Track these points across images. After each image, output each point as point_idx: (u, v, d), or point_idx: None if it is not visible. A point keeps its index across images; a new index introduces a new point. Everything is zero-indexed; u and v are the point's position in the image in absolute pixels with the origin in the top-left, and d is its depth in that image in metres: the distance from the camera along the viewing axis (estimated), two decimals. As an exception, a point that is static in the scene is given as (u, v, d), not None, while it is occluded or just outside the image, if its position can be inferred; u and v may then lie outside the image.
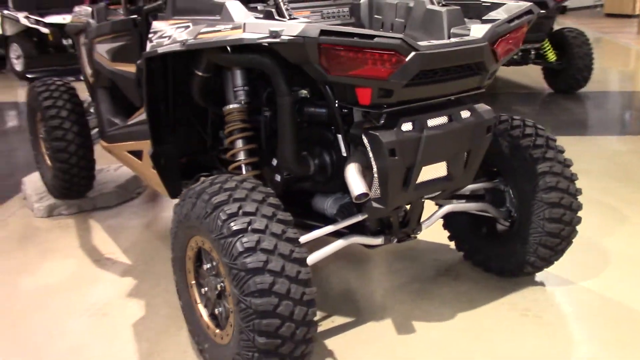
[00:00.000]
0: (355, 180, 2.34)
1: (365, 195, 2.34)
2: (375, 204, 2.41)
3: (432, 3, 2.68)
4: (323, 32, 2.05)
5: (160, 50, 2.52)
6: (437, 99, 2.39)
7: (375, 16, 3.08)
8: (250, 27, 2.18)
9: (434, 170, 2.46)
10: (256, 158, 2.76)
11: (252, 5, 2.64)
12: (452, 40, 2.32)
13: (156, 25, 2.70)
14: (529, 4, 2.61)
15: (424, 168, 2.40)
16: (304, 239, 2.43)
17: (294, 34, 2.06)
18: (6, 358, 2.66)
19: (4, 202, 4.51)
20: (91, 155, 4.04)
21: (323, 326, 2.78)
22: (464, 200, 3.03)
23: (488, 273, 3.16)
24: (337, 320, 2.83)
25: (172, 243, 2.52)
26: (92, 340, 2.76)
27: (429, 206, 2.91)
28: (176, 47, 2.43)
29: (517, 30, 2.50)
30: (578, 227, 2.90)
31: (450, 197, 3.01)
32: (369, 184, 2.36)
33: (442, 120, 2.39)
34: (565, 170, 2.85)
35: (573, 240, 2.96)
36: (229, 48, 2.47)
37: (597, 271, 3.20)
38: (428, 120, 2.34)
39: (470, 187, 3.03)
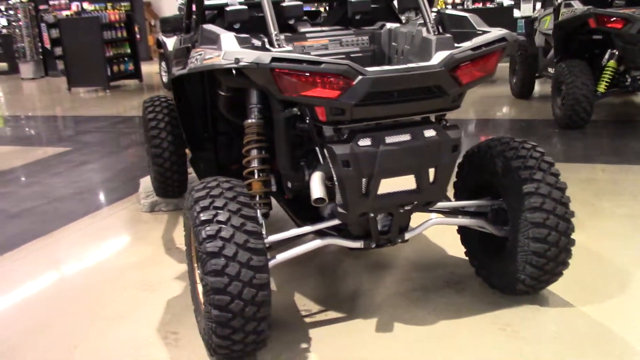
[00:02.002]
0: (315, 187, 2.70)
1: (322, 200, 2.69)
2: (340, 209, 2.74)
3: (428, 32, 2.95)
4: (274, 59, 2.45)
5: (177, 73, 3.08)
6: (398, 117, 2.66)
7: (392, 43, 3.39)
8: (225, 55, 2.64)
9: (401, 183, 2.72)
10: (267, 166, 3.20)
11: (256, 37, 3.07)
12: (404, 66, 2.59)
13: (192, 52, 3.27)
14: (502, 32, 2.78)
15: (387, 180, 2.67)
16: (274, 237, 2.84)
17: (250, 61, 2.48)
18: (71, 317, 3.36)
19: (125, 197, 5.40)
20: (184, 161, 4.73)
21: (316, 317, 3.14)
22: (456, 215, 3.21)
23: (493, 289, 3.28)
24: (330, 314, 3.17)
25: (184, 232, 3.05)
26: (136, 308, 3.37)
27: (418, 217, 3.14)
28: (184, 71, 2.97)
29: (483, 57, 2.68)
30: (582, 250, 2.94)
31: (453, 212, 3.24)
32: (334, 192, 2.70)
33: (403, 137, 2.64)
34: (554, 192, 2.93)
35: (567, 261, 3.01)
36: (234, 72, 2.95)
37: (603, 298, 3.18)
38: (386, 137, 2.62)
39: (474, 204, 3.22)
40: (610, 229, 4.07)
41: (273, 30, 2.73)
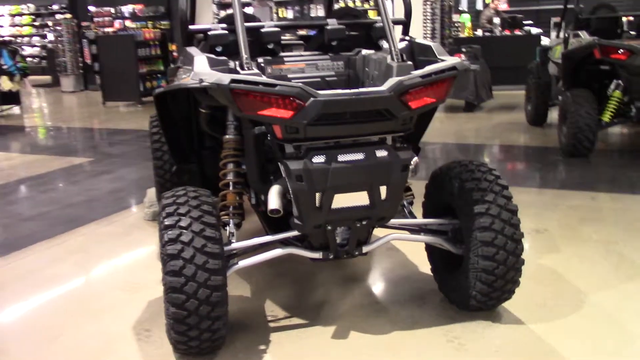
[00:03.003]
0: (272, 198, 2.92)
1: (277, 211, 2.91)
2: (296, 221, 2.96)
3: (392, 59, 3.16)
4: (233, 80, 2.68)
5: (156, 91, 3.34)
6: (350, 137, 2.86)
7: (366, 69, 3.60)
8: (193, 75, 2.89)
9: (355, 199, 2.92)
10: (242, 179, 3.43)
11: (231, 59, 3.31)
12: (354, 90, 2.79)
13: (178, 72, 3.55)
14: (454, 62, 2.97)
15: (340, 195, 2.87)
16: (238, 244, 3.07)
17: (211, 81, 2.73)
18: (57, 311, 3.64)
19: (132, 206, 5.71)
20: (183, 174, 5.00)
21: (280, 322, 3.34)
22: (418, 232, 3.39)
23: (452, 305, 3.43)
24: (294, 320, 3.37)
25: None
26: (117, 306, 3.63)
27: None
28: (161, 89, 3.23)
29: (432, 84, 2.87)
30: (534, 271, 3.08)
31: (416, 229, 3.42)
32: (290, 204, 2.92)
33: (356, 156, 2.84)
34: (504, 213, 3.09)
35: (517, 280, 3.16)
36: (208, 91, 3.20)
37: (554, 317, 3.30)
38: (339, 155, 2.82)
39: (434, 222, 3.40)
40: (581, 253, 4.17)
41: (244, 54, 2.96)
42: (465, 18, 14.20)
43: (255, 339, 3.17)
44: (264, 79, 2.74)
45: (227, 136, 3.44)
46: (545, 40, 13.81)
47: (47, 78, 20.37)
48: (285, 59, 3.67)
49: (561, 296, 3.54)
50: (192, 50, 3.29)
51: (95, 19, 19.47)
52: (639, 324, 3.20)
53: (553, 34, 14.21)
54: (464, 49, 10.81)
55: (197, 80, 2.80)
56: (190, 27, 3.53)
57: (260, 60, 3.61)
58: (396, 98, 2.77)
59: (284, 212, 3.03)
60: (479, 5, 15.21)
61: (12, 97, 13.03)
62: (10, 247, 4.77)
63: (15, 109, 13.34)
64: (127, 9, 21.44)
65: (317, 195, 2.83)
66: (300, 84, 2.71)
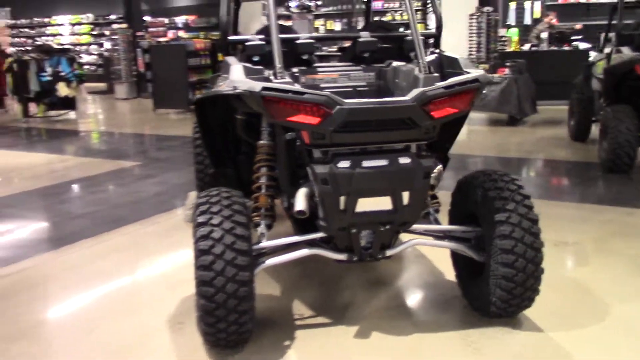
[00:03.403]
0: (298, 200, 3.09)
1: (302, 212, 3.07)
2: (321, 223, 3.11)
3: (420, 71, 3.29)
4: (264, 88, 2.86)
5: (195, 98, 3.55)
6: (374, 145, 3.00)
7: (396, 80, 3.74)
8: (228, 83, 3.08)
9: (378, 203, 3.05)
10: (274, 182, 3.60)
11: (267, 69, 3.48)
12: (379, 99, 2.93)
13: (218, 80, 3.75)
14: (477, 74, 3.08)
15: (364, 199, 3.01)
16: (267, 243, 3.24)
17: (244, 89, 2.91)
18: (97, 304, 3.88)
19: (174, 208, 5.96)
20: (222, 178, 5.21)
21: (306, 321, 3.49)
22: (442, 239, 3.49)
23: (474, 311, 3.52)
24: (319, 319, 3.51)
25: None
26: (154, 301, 3.85)
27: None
28: (200, 96, 3.43)
29: (456, 95, 2.98)
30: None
31: (440, 236, 3.53)
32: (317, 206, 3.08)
33: (380, 162, 2.98)
34: (524, 221, 3.17)
35: (537, 288, 3.23)
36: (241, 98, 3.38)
37: (576, 327, 3.35)
38: (363, 161, 2.96)
39: (458, 229, 3.50)
40: (609, 266, 4.19)
41: (277, 63, 3.14)
42: (513, 32, 14.15)
43: (281, 336, 3.32)
44: (293, 87, 2.90)
45: (261, 142, 3.62)
46: (593, 56, 13.66)
47: (102, 85, 21.09)
48: (319, 69, 3.84)
49: (583, 307, 3.59)
50: (230, 59, 3.49)
51: (150, 29, 20.11)
52: (659, 337, 3.23)
53: (607, 49, 14.06)
54: (508, 63, 10.80)
55: (231, 87, 2.99)
56: (230, 37, 3.73)
57: (294, 70, 3.78)
58: (419, 108, 2.90)
59: (311, 215, 3.19)
60: (527, 20, 15.11)
61: (68, 103, 13.60)
62: (59, 242, 5.06)
63: (71, 114, 13.90)
64: (180, 20, 22.11)
65: (342, 198, 2.97)
66: (327, 92, 2.86)
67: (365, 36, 3.93)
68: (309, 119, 2.86)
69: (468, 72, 3.26)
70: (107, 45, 20.60)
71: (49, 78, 12.91)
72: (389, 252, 3.34)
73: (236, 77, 3.12)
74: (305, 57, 3.84)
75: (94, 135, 11.92)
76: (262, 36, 3.77)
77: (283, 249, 3.35)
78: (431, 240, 3.52)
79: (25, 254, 4.81)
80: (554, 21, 14.22)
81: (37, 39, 25.53)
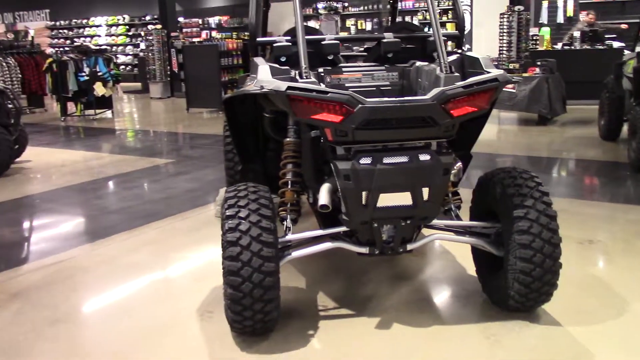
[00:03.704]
0: (322, 195, 3.21)
1: (326, 206, 3.20)
2: (344, 217, 3.23)
3: (441, 71, 3.40)
4: (289, 88, 2.99)
5: (225, 96, 3.70)
6: (395, 142, 3.11)
7: (419, 79, 3.84)
8: (255, 83, 3.22)
9: (399, 198, 3.16)
10: (300, 178, 3.73)
11: (293, 69, 3.61)
12: (400, 98, 3.04)
13: (247, 79, 3.90)
14: (497, 74, 3.16)
15: (385, 195, 3.12)
16: (292, 236, 3.38)
17: (270, 88, 3.04)
18: (132, 293, 4.06)
19: (205, 204, 6.14)
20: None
21: (329, 312, 3.62)
22: (464, 234, 3.59)
23: (493, 305, 3.60)
24: (342, 311, 3.63)
25: None
26: (184, 291, 4.01)
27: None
28: (229, 95, 3.58)
29: (475, 94, 3.07)
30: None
31: (461, 231, 3.62)
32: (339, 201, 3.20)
33: (400, 159, 3.09)
34: (542, 217, 3.25)
35: (554, 282, 3.31)
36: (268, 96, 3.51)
37: (594, 323, 3.41)
38: (384, 158, 3.07)
39: (478, 224, 3.59)
40: (632, 265, 4.23)
41: (303, 64, 3.27)
42: (545, 31, 14.06)
43: (305, 325, 3.45)
44: (317, 86, 3.03)
45: (287, 139, 3.76)
46: (626, 55, 13.49)
47: (138, 85, 21.55)
48: (344, 69, 3.96)
49: (603, 303, 3.64)
50: (258, 60, 3.63)
51: (184, 30, 20.45)
52: (677, 333, 3.28)
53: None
54: (538, 62, 10.77)
55: (258, 87, 3.13)
56: (258, 39, 3.88)
57: (320, 70, 3.91)
58: (438, 106, 3.00)
59: (334, 209, 3.31)
60: (560, 19, 14.99)
61: (105, 102, 13.95)
62: (95, 236, 5.29)
63: (108, 113, 14.25)
64: (214, 20, 22.44)
65: (364, 193, 3.09)
66: (349, 91, 2.98)
67: (389, 37, 4.03)
68: (331, 117, 2.98)
69: (488, 72, 3.34)
70: (143, 45, 21.04)
71: (86, 78, 13.27)
72: (410, 246, 3.44)
73: (263, 77, 3.26)
74: (330, 57, 3.96)
75: (129, 134, 12.23)
76: (289, 37, 3.90)
77: (308, 242, 3.47)
78: (451, 236, 3.62)
79: (62, 247, 5.04)
80: (592, 18, 14.08)
81: (76, 40, 26.14)
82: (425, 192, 3.15)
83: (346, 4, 15.34)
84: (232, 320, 3.19)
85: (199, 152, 9.41)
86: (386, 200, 3.14)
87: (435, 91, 3.03)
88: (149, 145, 10.56)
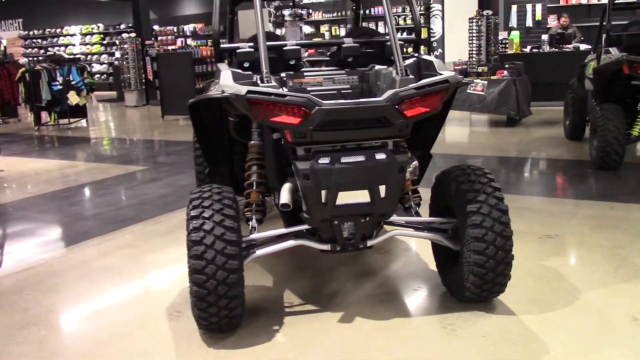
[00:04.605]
0: (282, 194, 3.34)
1: (286, 205, 3.33)
2: (305, 215, 3.36)
3: (397, 74, 3.54)
4: (249, 92, 3.11)
5: (189, 101, 3.81)
6: (352, 142, 3.24)
7: (378, 82, 3.98)
8: (217, 87, 3.34)
9: (357, 196, 3.29)
10: (264, 180, 3.86)
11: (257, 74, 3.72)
12: (355, 100, 3.18)
13: (211, 85, 4.01)
14: (448, 75, 3.32)
15: (344, 193, 3.25)
16: (254, 235, 3.49)
17: (231, 92, 3.16)
18: (102, 292, 4.15)
19: (177, 209, 6.23)
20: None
21: (294, 308, 3.74)
22: (422, 230, 3.73)
23: (452, 297, 3.75)
24: (307, 307, 3.75)
25: None
26: (154, 292, 4.11)
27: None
28: (193, 100, 3.70)
29: (426, 95, 3.22)
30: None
31: (420, 227, 3.76)
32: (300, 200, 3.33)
33: (357, 158, 3.22)
34: (494, 212, 3.40)
35: (507, 273, 3.46)
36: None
37: (545, 310, 3.58)
38: (342, 157, 3.20)
39: (436, 220, 3.74)
40: (586, 256, 4.42)
41: (264, 69, 3.40)
42: (514, 35, 14.34)
43: (272, 321, 3.57)
44: (275, 90, 3.15)
45: (252, 142, 3.88)
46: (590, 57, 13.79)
47: (113, 93, 21.53)
48: (305, 73, 4.10)
49: (557, 293, 3.81)
50: (222, 66, 3.75)
51: (160, 37, 20.50)
52: (623, 319, 3.44)
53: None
54: (506, 65, 11.01)
55: (220, 91, 3.25)
56: (222, 45, 4.00)
57: (282, 74, 4.04)
58: (392, 107, 3.14)
59: (296, 208, 3.44)
60: (529, 22, 15.31)
61: (79, 111, 13.95)
62: (68, 241, 5.38)
63: (82, 122, 14.25)
64: (188, 28, 22.49)
65: (323, 192, 3.22)
66: (307, 94, 3.11)
67: (348, 42, 4.18)
68: (290, 119, 3.11)
69: (441, 74, 3.50)
70: (118, 54, 21.03)
71: (60, 87, 13.27)
72: (370, 242, 3.57)
73: (225, 81, 3.38)
74: (292, 62, 4.09)
75: (103, 142, 12.25)
76: (252, 44, 4.03)
77: (272, 240, 3.60)
78: (410, 231, 3.76)
79: (34, 253, 5.11)
80: (552, 23, 14.42)
81: (50, 49, 26.02)
82: (382, 189, 3.28)
83: (310, 11, 15.51)
84: (198, 318, 3.30)
85: (173, 159, 9.49)
86: (345, 198, 3.26)
87: (389, 93, 3.17)
88: (124, 153, 10.61)
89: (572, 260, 4.37)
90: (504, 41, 13.55)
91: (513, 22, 15.53)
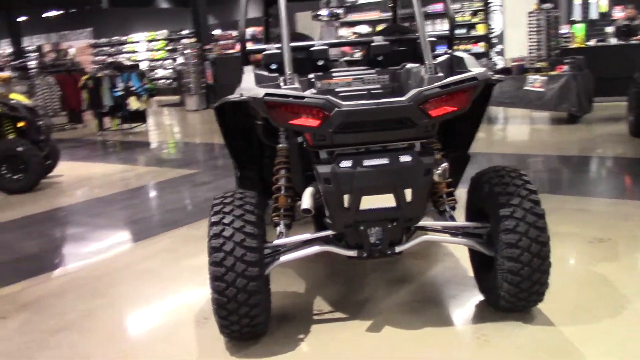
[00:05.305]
0: (304, 199, 3.25)
1: (308, 210, 3.23)
2: (327, 220, 3.26)
3: (426, 72, 3.40)
4: (267, 94, 3.03)
5: (215, 104, 3.76)
6: (374, 144, 3.11)
7: (409, 81, 3.84)
8: (238, 90, 3.28)
9: (381, 200, 3.16)
10: (292, 184, 3.77)
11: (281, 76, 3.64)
12: (377, 101, 3.05)
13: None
14: (477, 72, 3.14)
15: (368, 197, 3.13)
16: (278, 241, 3.40)
17: (249, 95, 3.10)
18: (137, 294, 4.17)
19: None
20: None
21: (323, 316, 3.64)
22: (456, 235, 3.56)
23: (489, 305, 3.57)
24: (336, 314, 3.65)
25: None
26: (186, 297, 4.10)
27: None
28: (217, 104, 3.65)
29: (453, 94, 3.06)
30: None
31: (454, 232, 3.60)
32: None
33: (380, 161, 3.09)
34: (528, 216, 3.20)
35: (544, 282, 3.26)
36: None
37: (589, 321, 3.35)
38: (364, 160, 3.08)
39: (469, 225, 3.56)
40: (638, 263, 4.12)
41: (287, 70, 3.32)
42: (578, 28, 13.77)
43: (297, 329, 3.48)
44: (293, 92, 3.06)
45: (280, 145, 3.81)
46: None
47: (176, 98, 21.96)
48: (334, 74, 3.99)
49: (602, 302, 3.56)
50: (246, 68, 3.69)
51: (220, 42, 20.78)
52: (674, 331, 3.19)
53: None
54: (567, 60, 10.56)
55: (238, 94, 3.19)
56: (247, 48, 3.95)
57: (311, 75, 3.95)
58: (416, 107, 2.99)
59: (321, 214, 3.34)
60: (594, 15, 14.65)
61: (139, 116, 14.28)
62: (113, 246, 5.47)
63: (143, 127, 14.58)
64: (248, 32, 22.69)
65: (346, 196, 3.10)
66: (327, 96, 3.00)
67: (378, 40, 4.05)
68: (309, 122, 3.01)
69: (471, 71, 3.32)
70: (180, 59, 21.46)
71: (120, 93, 13.62)
72: (398, 249, 3.43)
73: (245, 84, 3.32)
74: (321, 63, 3.99)
75: (161, 146, 12.49)
76: (279, 45, 3.95)
77: (297, 246, 3.50)
78: (440, 237, 3.60)
79: (79, 257, 5.21)
80: (617, 15, 13.76)
81: (117, 56, 26.83)
82: (408, 193, 3.14)
83: (342, 10, 15.20)
84: (220, 325, 3.25)
85: (225, 162, 9.51)
86: (369, 202, 3.14)
87: (412, 92, 3.03)
88: (179, 157, 10.78)
89: (621, 266, 4.08)
90: (566, 35, 13.02)
91: (576, 14, 14.90)
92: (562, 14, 14.38)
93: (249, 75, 3.43)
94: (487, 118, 12.24)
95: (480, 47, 16.49)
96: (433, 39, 3.97)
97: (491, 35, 15.85)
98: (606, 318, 3.37)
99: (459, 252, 4.46)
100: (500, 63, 14.68)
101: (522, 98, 10.63)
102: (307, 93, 3.19)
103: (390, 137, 3.10)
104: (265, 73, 3.67)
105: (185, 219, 6.14)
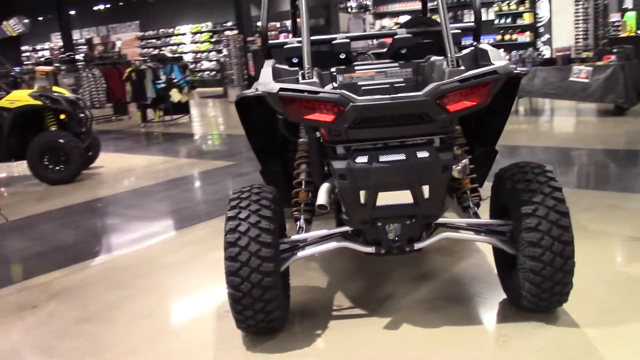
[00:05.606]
0: (320, 195, 3.21)
1: (324, 206, 3.19)
2: (344, 216, 3.22)
3: (448, 66, 3.32)
4: (281, 89, 3.01)
5: (235, 99, 3.75)
6: (390, 140, 3.06)
7: (432, 75, 3.75)
8: (254, 85, 3.26)
9: (399, 197, 3.11)
10: (312, 178, 3.74)
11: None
12: (393, 95, 2.98)
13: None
14: (498, 66, 3.03)
15: (385, 193, 3.08)
16: (295, 237, 3.38)
17: (263, 90, 3.07)
18: (162, 289, 4.22)
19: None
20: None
21: (342, 312, 3.61)
22: (479, 232, 3.47)
23: (511, 305, 3.48)
24: (355, 311, 3.61)
25: None
26: (209, 291, 4.13)
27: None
28: (237, 98, 3.63)
29: (472, 88, 2.97)
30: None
31: (476, 229, 3.51)
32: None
33: (397, 157, 3.03)
34: (551, 214, 3.09)
35: (567, 282, 3.14)
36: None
37: (615, 323, 3.23)
38: (380, 156, 3.03)
39: (492, 222, 3.47)
40: (674, 263, 3.96)
41: (306, 64, 3.28)
42: (629, 16, 13.32)
43: (315, 325, 3.46)
44: (307, 87, 3.02)
45: (300, 139, 3.78)
46: None
47: (219, 89, 22.19)
48: (356, 67, 3.93)
49: (631, 304, 3.43)
50: (267, 62, 3.67)
51: (263, 33, 20.83)
52: None
53: None
54: (614, 50, 10.21)
55: (254, 89, 3.17)
56: (269, 42, 3.92)
57: (333, 69, 3.90)
58: (433, 102, 2.92)
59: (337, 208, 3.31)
60: (645, 2, 14.14)
61: (181, 108, 14.47)
62: (144, 238, 5.55)
63: (185, 118, 14.77)
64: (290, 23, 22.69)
65: (362, 192, 3.06)
66: (342, 90, 2.96)
67: (401, 33, 3.97)
68: (324, 117, 2.97)
69: (493, 64, 3.22)
70: (224, 51, 21.64)
71: (163, 85, 13.82)
72: (418, 245, 3.37)
73: (262, 79, 3.30)
74: (343, 56, 3.94)
75: (202, 138, 12.62)
76: (300, 39, 3.92)
77: (315, 242, 3.48)
78: (460, 234, 3.52)
79: (109, 249, 5.31)
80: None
81: (163, 49, 27.24)
82: (426, 189, 3.08)
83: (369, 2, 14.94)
84: (236, 320, 3.25)
85: (262, 154, 9.59)
86: (386, 198, 3.09)
87: (430, 86, 2.95)
88: (218, 149, 10.89)
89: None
90: (616, 23, 12.60)
91: (628, 2, 14.39)
92: (614, 2, 13.93)
93: (267, 69, 3.41)
94: (531, 110, 11.96)
95: (526, 37, 16.10)
96: (458, 31, 3.87)
97: (538, 24, 15.45)
98: (633, 321, 3.24)
99: (486, 248, 4.34)
100: (546, 53, 14.31)
101: (567, 89, 10.34)
102: (327, 88, 3.14)
103: (407, 132, 3.04)
104: (287, 67, 3.64)
105: (219, 210, 6.16)
